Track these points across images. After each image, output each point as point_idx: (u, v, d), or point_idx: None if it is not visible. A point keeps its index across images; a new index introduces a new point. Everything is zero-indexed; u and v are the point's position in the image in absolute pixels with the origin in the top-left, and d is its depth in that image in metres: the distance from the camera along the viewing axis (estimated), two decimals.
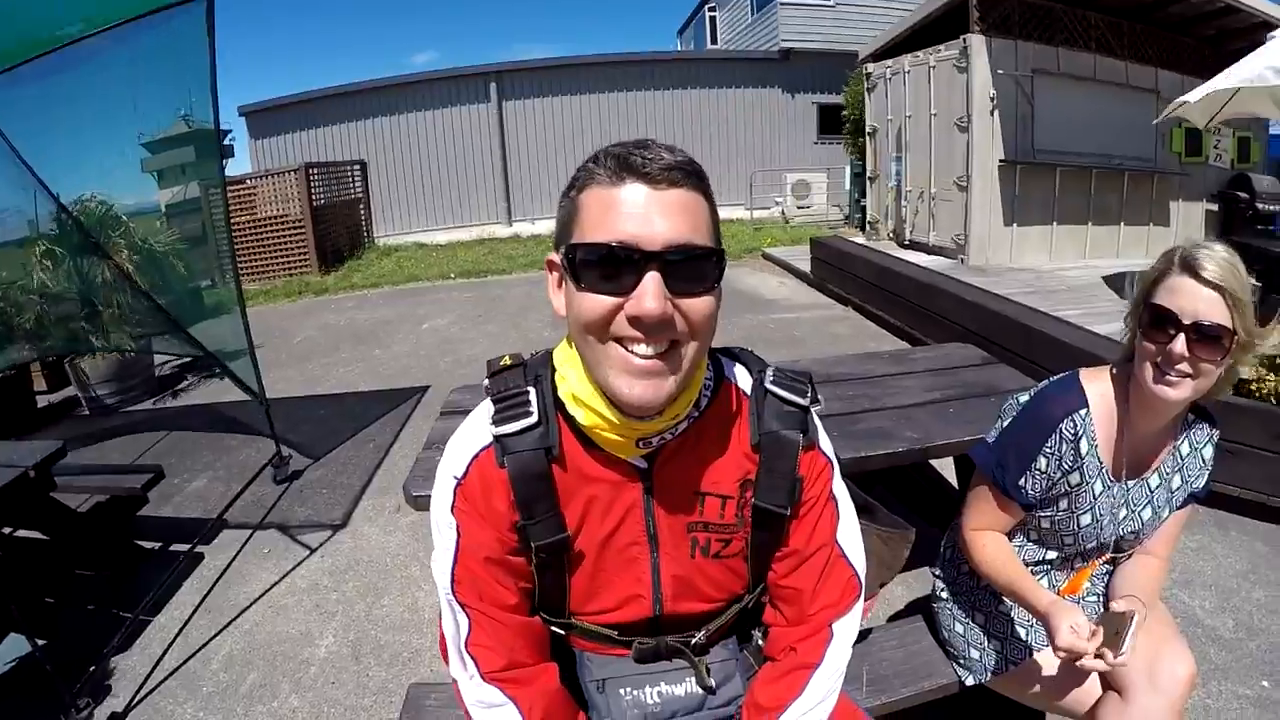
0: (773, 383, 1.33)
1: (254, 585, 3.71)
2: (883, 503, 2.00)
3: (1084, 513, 1.85)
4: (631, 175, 1.04)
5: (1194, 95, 6.38)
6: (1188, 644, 1.86)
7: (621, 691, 1.39)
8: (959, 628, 2.07)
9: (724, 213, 12.29)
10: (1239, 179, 10.77)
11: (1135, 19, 9.99)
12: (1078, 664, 1.61)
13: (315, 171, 14.21)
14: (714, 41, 23.43)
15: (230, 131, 25.60)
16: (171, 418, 6.54)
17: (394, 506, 4.33)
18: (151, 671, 3.11)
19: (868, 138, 12.29)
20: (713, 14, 23.63)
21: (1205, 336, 1.56)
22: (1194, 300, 1.57)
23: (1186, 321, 1.57)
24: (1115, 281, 7.87)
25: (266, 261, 13.39)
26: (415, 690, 1.94)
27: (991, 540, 1.93)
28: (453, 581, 1.27)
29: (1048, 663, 1.90)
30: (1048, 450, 1.80)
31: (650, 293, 1.01)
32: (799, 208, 16.37)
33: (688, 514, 1.30)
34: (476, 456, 1.24)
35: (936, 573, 2.22)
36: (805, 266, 10.56)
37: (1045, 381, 1.93)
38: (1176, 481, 1.88)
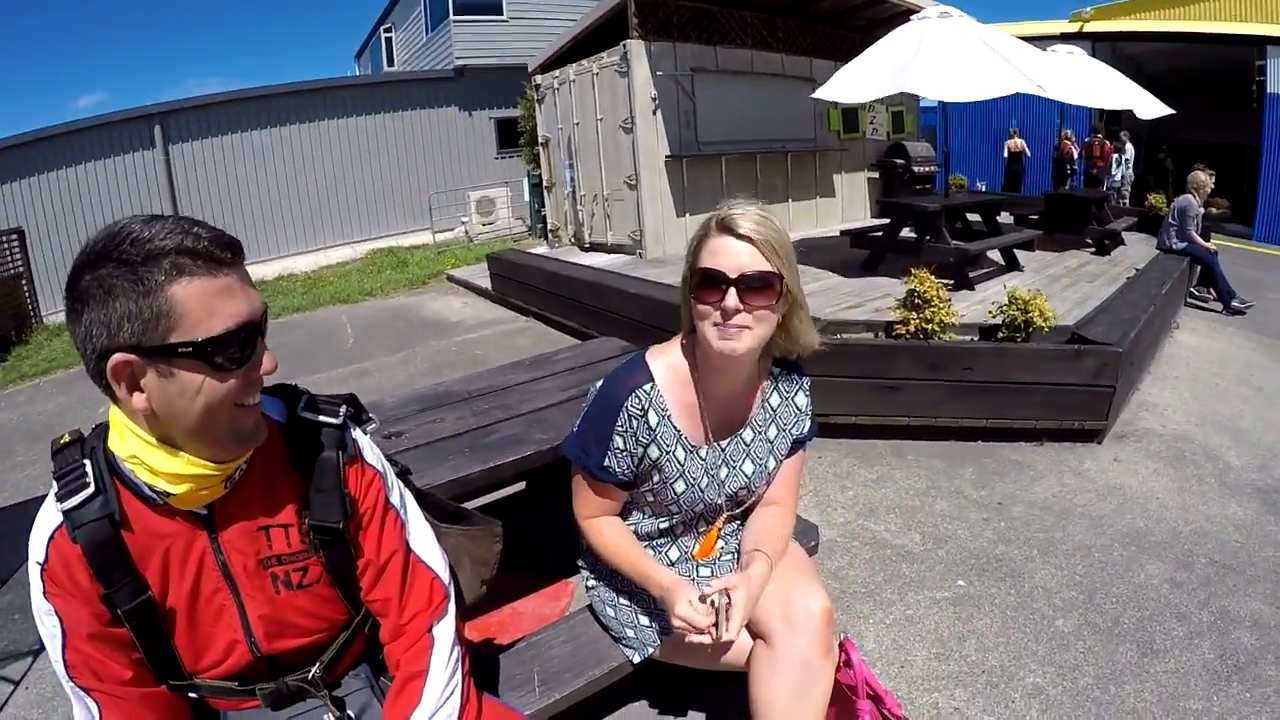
0: (305, 409, 1.43)
1: None
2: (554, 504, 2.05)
3: (675, 480, 1.92)
4: (224, 268, 1.17)
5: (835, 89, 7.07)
6: (822, 580, 1.97)
7: None
8: (611, 611, 2.12)
9: (408, 239, 12.41)
10: (895, 148, 12.14)
11: (789, 15, 10.90)
12: (692, 638, 1.73)
13: None
14: (391, 63, 23.21)
15: None
16: None
17: None
18: None
19: (541, 148, 12.56)
20: (388, 35, 23.42)
21: (753, 285, 1.68)
22: (736, 255, 1.69)
23: (733, 275, 1.67)
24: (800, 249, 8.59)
25: None
26: None
27: (606, 526, 2.02)
28: (67, 668, 1.27)
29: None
30: (620, 429, 1.87)
31: (269, 353, 1.24)
32: (484, 225, 16.45)
33: (257, 550, 1.35)
34: (52, 538, 1.24)
35: (581, 563, 2.29)
36: (487, 284, 10.72)
37: (617, 366, 2.00)
38: (773, 432, 1.98)
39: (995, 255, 7.65)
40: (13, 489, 6.39)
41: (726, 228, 1.73)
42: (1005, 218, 9.56)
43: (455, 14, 18.28)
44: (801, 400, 2.03)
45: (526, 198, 15.14)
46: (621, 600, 2.11)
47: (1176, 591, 3.22)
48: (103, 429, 1.29)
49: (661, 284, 7.01)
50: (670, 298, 6.34)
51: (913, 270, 4.96)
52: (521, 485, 3.67)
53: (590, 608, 2.27)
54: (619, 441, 1.88)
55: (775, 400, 2.00)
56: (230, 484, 1.30)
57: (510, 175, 17.31)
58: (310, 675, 1.44)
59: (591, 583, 2.22)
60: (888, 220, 8.16)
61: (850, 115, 12.06)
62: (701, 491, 1.96)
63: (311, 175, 17.54)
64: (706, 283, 1.72)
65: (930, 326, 4.75)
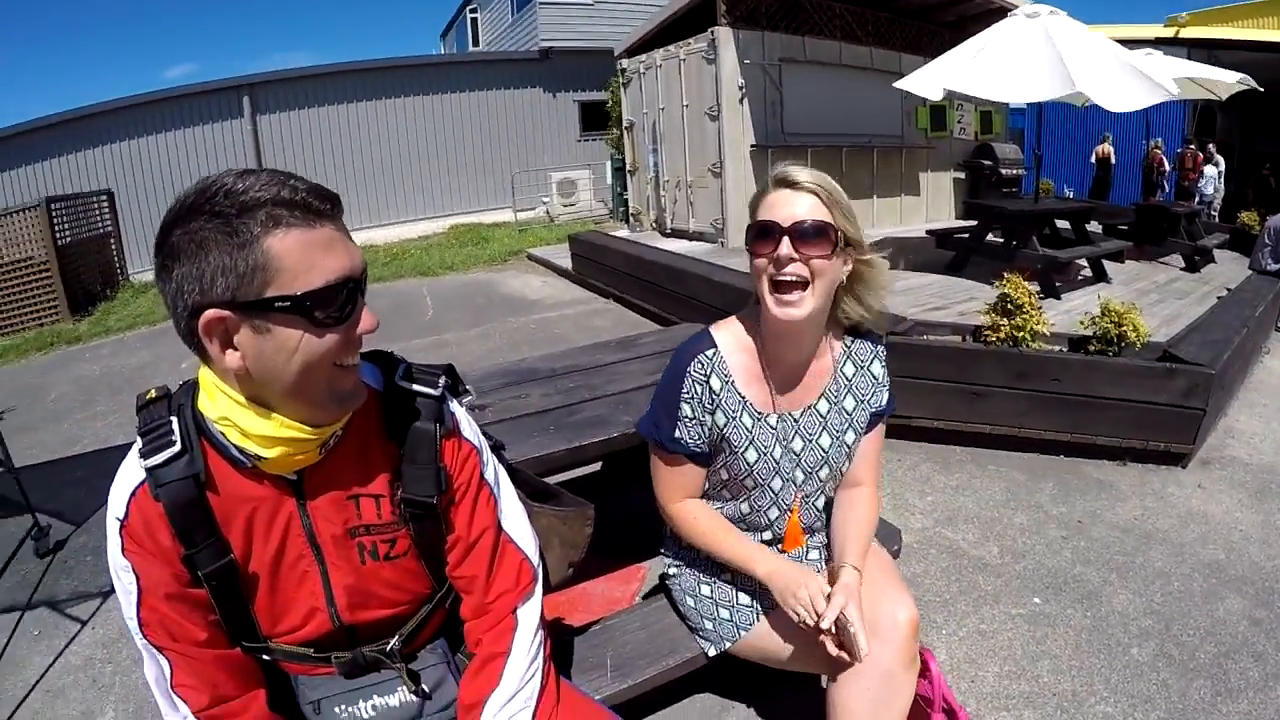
0: (402, 378, 1.41)
1: (29, 671, 3.57)
2: (631, 489, 2.10)
3: (745, 449, 1.90)
4: (323, 220, 1.15)
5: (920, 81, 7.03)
6: (908, 587, 1.93)
7: (336, 710, 1.43)
8: (690, 601, 2.11)
9: (490, 216, 12.57)
10: (983, 149, 11.97)
11: (878, 8, 10.80)
12: (803, 620, 1.72)
13: (59, 206, 13.01)
14: (476, 44, 23.33)
15: None
16: None
17: None
18: None
19: (625, 132, 12.62)
20: (474, 16, 23.53)
21: (807, 234, 1.68)
22: (791, 205, 1.70)
23: (786, 225, 1.68)
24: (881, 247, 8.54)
25: (12, 313, 12.22)
26: None
27: (698, 511, 2.01)
28: (141, 625, 1.26)
29: (772, 628, 1.95)
30: (686, 395, 1.88)
31: (369, 311, 1.22)
32: (565, 206, 16.60)
33: (345, 519, 1.34)
34: (134, 494, 1.24)
35: (663, 550, 2.28)
36: (567, 264, 10.85)
37: None
38: (850, 403, 1.95)
39: (1082, 264, 7.54)
40: (93, 436, 6.82)
41: (783, 181, 1.74)
42: (1093, 226, 9.38)
43: None
44: (878, 369, 2.00)
45: (608, 181, 15.30)
46: (703, 591, 2.09)
47: (1255, 630, 3.14)
48: (191, 387, 1.29)
49: (744, 273, 6.94)
50: (748, 284, 6.37)
51: (1005, 274, 4.90)
52: (597, 465, 3.60)
53: (668, 596, 2.27)
54: (686, 409, 1.89)
55: (849, 370, 1.97)
56: (324, 450, 1.28)
57: (592, 158, 17.46)
58: (388, 647, 1.43)
59: (673, 571, 2.21)
60: (974, 222, 8.10)
61: (938, 113, 11.93)
62: (776, 462, 1.93)
63: (396, 150, 17.85)
64: (762, 234, 1.73)
65: (1021, 334, 4.70)
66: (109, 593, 4.09)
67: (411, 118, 18.24)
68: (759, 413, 1.91)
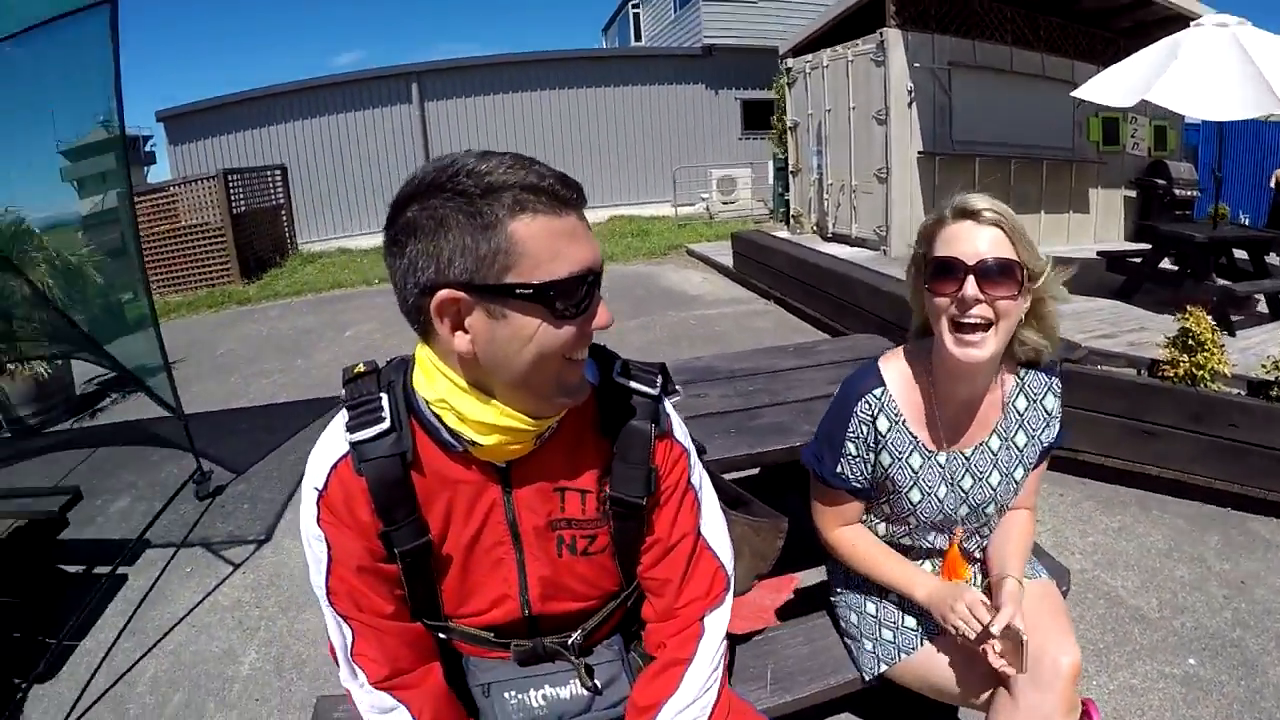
0: (620, 375, 1.36)
1: (178, 605, 3.69)
2: (791, 499, 2.03)
3: (910, 489, 1.83)
4: (568, 208, 1.10)
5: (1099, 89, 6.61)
6: (1074, 630, 1.83)
7: (506, 695, 1.41)
8: (854, 618, 2.05)
9: (649, 210, 12.45)
10: (1156, 166, 11.08)
11: (1051, 13, 10.20)
12: (964, 634, 1.66)
13: (235, 178, 13.88)
14: (638, 38, 23.52)
15: (151, 137, 25.01)
16: (94, 436, 6.44)
17: None
18: (79, 698, 3.08)
19: (789, 132, 12.41)
20: (636, 11, 23.72)
21: (993, 273, 1.56)
22: (974, 241, 1.58)
23: (972, 262, 1.56)
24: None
25: (188, 272, 13.07)
26: (324, 703, 1.93)
27: (857, 537, 1.95)
28: (329, 594, 1.27)
29: (936, 653, 1.87)
30: (851, 435, 1.81)
31: (604, 306, 1.15)
32: (724, 204, 16.44)
33: (549, 511, 1.31)
34: (335, 466, 1.24)
35: (829, 568, 2.23)
36: (728, 261, 10.67)
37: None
38: (1021, 439, 1.85)
39: (1258, 299, 6.87)
40: (257, 392, 7.16)
41: (964, 213, 1.62)
42: (1271, 258, 8.65)
43: None
44: (1050, 402, 1.88)
45: (770, 180, 15.01)
46: (868, 609, 2.03)
47: None
48: (402, 365, 1.28)
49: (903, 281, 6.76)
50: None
51: (1187, 307, 4.49)
52: (754, 470, 3.53)
53: (831, 614, 2.21)
54: (851, 448, 1.83)
55: (1022, 404, 1.86)
56: (539, 441, 1.25)
57: (754, 156, 17.20)
58: (569, 640, 1.40)
59: (838, 590, 2.15)
60: (1147, 246, 7.58)
61: (1111, 126, 11.18)
62: (940, 501, 1.85)
63: (557, 141, 18.09)
64: (943, 272, 1.61)
65: (1200, 373, 4.28)
66: (263, 540, 4.22)
67: (574, 110, 18.50)
68: (929, 451, 1.83)
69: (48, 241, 6.24)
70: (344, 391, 1.27)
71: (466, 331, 1.09)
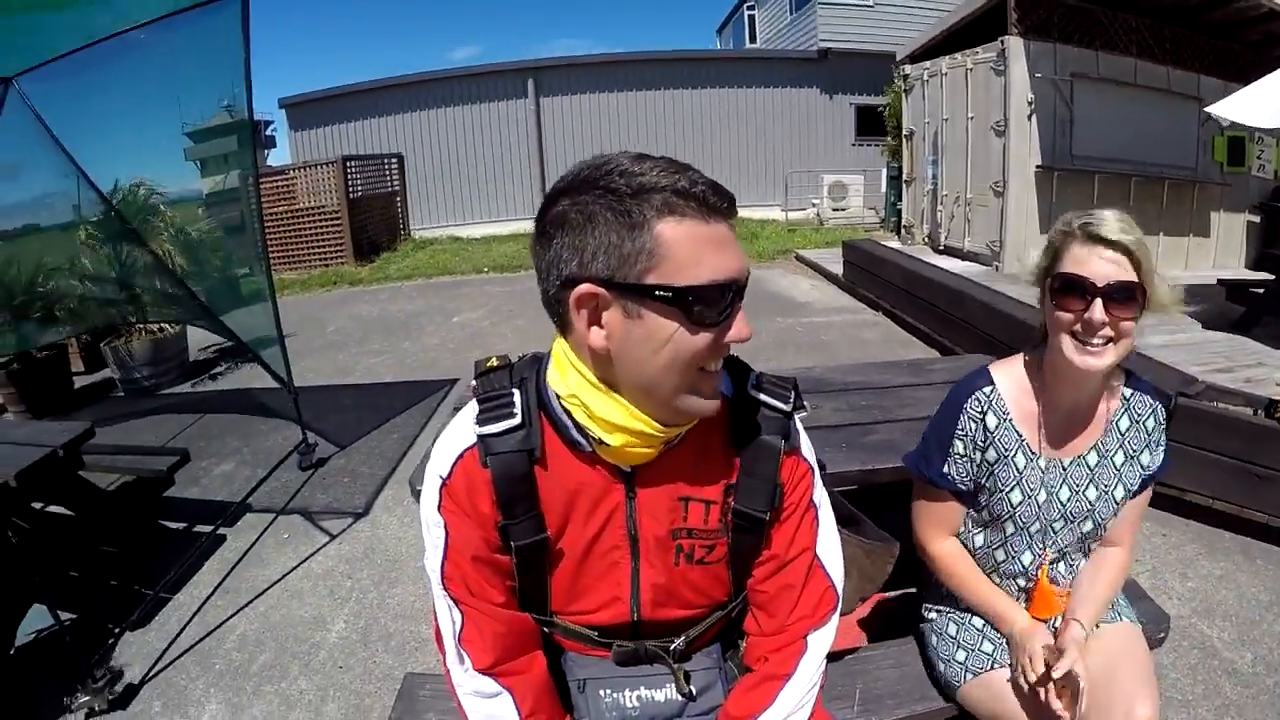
0: (754, 388, 1.33)
1: (272, 569, 3.79)
2: (896, 518, 1.98)
3: (1011, 488, 1.82)
4: (716, 216, 1.07)
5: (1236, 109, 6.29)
6: (1156, 683, 1.77)
7: (601, 693, 1.40)
8: (935, 640, 2.04)
9: (759, 213, 12.49)
10: None
11: (1177, 23, 9.77)
12: (1021, 680, 1.68)
13: (353, 164, 14.42)
14: (753, 40, 23.30)
15: (272, 123, 26.09)
16: (204, 401, 6.71)
17: (414, 498, 4.31)
18: (167, 648, 3.20)
19: (904, 140, 12.22)
20: (751, 12, 23.51)
21: (1119, 297, 1.57)
22: (1104, 263, 1.58)
23: (1100, 285, 1.57)
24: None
25: (304, 252, 13.60)
26: (411, 679, 1.94)
27: (955, 553, 1.95)
28: (443, 578, 1.28)
29: (1006, 682, 1.84)
30: (960, 432, 1.82)
31: (744, 319, 1.12)
32: (835, 210, 16.20)
33: (671, 520, 1.30)
34: (461, 456, 1.25)
35: (926, 594, 2.20)
36: (837, 269, 10.44)
37: None
38: (1120, 458, 1.83)
39: None
40: (365, 370, 7.34)
41: (1093, 235, 1.61)
42: None
43: None
44: (1153, 426, 1.84)
45: (883, 189, 14.75)
46: (949, 631, 2.00)
47: None
48: (534, 362, 1.29)
49: (1027, 305, 6.34)
50: (1032, 319, 5.89)
51: None
52: (852, 485, 3.54)
53: (920, 636, 2.16)
54: (958, 446, 1.83)
55: (1124, 424, 1.83)
56: (666, 447, 1.24)
57: (866, 164, 16.88)
58: (671, 646, 1.39)
59: (932, 615, 2.10)
60: (1270, 276, 7.22)
61: (1236, 146, 10.50)
62: (1038, 506, 1.83)
63: (668, 140, 18.08)
64: (1069, 290, 1.62)
65: None
66: (360, 514, 4.31)
67: (687, 110, 18.51)
68: (1032, 453, 1.82)
69: (172, 215, 6.50)
70: (475, 384, 1.28)
71: (602, 327, 1.09)
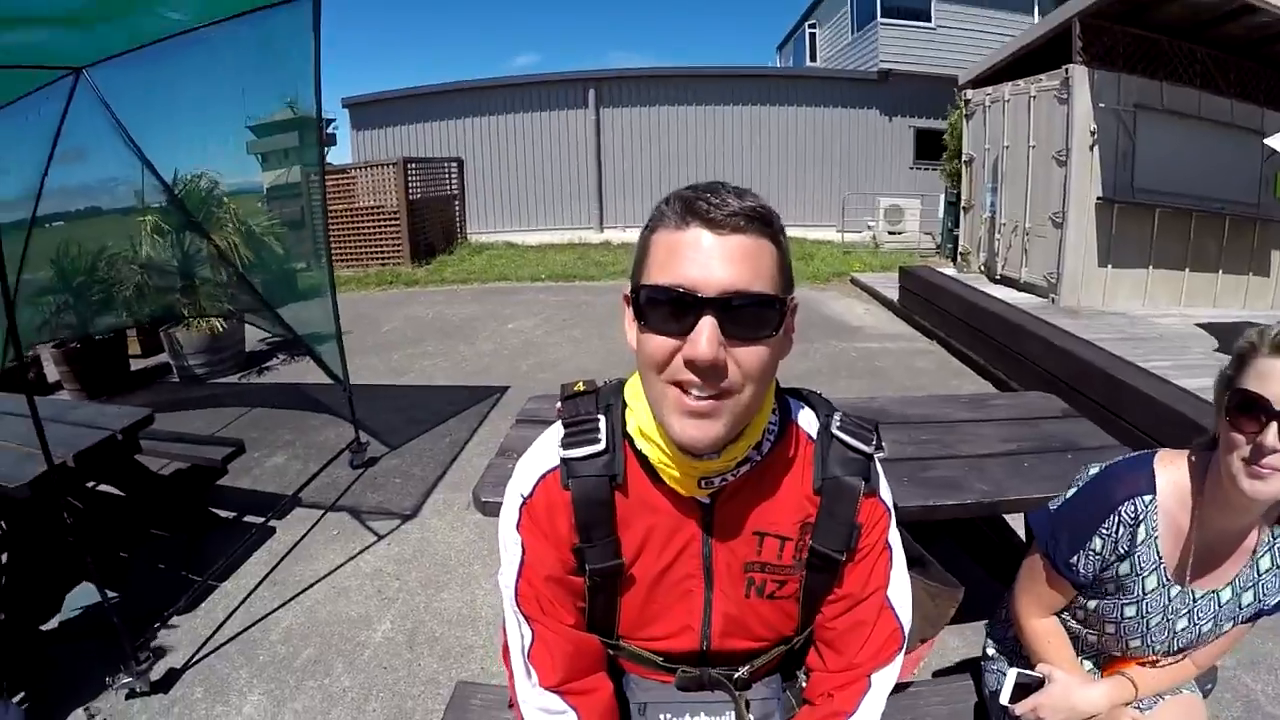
0: (839, 428, 1.33)
1: (320, 564, 3.83)
2: (947, 550, 1.95)
3: (1129, 604, 1.72)
4: (696, 220, 1.05)
5: None
6: None
7: (662, 717, 1.41)
8: (992, 681, 1.99)
9: (814, 233, 12.30)
10: None
11: (1243, 55, 9.50)
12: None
13: (413, 166, 14.63)
14: (813, 59, 23.18)
15: (334, 120, 26.44)
16: (257, 393, 6.82)
17: (464, 503, 4.36)
18: (212, 635, 3.24)
19: (964, 166, 12.04)
20: (813, 31, 23.43)
21: None
22: None
23: (1279, 408, 1.40)
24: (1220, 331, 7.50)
25: (361, 250, 13.82)
26: (462, 688, 1.94)
27: (1052, 631, 1.87)
28: (516, 595, 1.30)
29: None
30: (1104, 531, 1.68)
31: (705, 337, 1.02)
32: (891, 233, 16.04)
33: (746, 553, 1.31)
34: (543, 477, 1.27)
35: (989, 630, 2.13)
36: (893, 294, 10.34)
37: (1120, 458, 1.79)
38: (1249, 598, 1.71)
39: None
40: (419, 372, 7.41)
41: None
42: None
43: (882, 15, 18.00)
44: None
45: (940, 214, 14.60)
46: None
47: None
48: (619, 387, 1.31)
49: (1087, 341, 6.41)
50: (1094, 359, 5.83)
51: None
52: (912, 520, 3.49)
53: (977, 675, 2.12)
54: (1097, 543, 1.69)
55: (1265, 564, 1.69)
56: (707, 484, 1.22)
57: (924, 188, 16.71)
58: (735, 675, 1.40)
59: (993, 653, 2.05)
60: None
61: None
62: (1148, 630, 1.73)
63: (726, 155, 18.12)
64: (1246, 409, 1.44)
65: None
66: (409, 516, 4.35)
67: (745, 126, 18.46)
68: (1166, 580, 1.69)
69: (234, 206, 6.62)
70: (560, 407, 1.31)
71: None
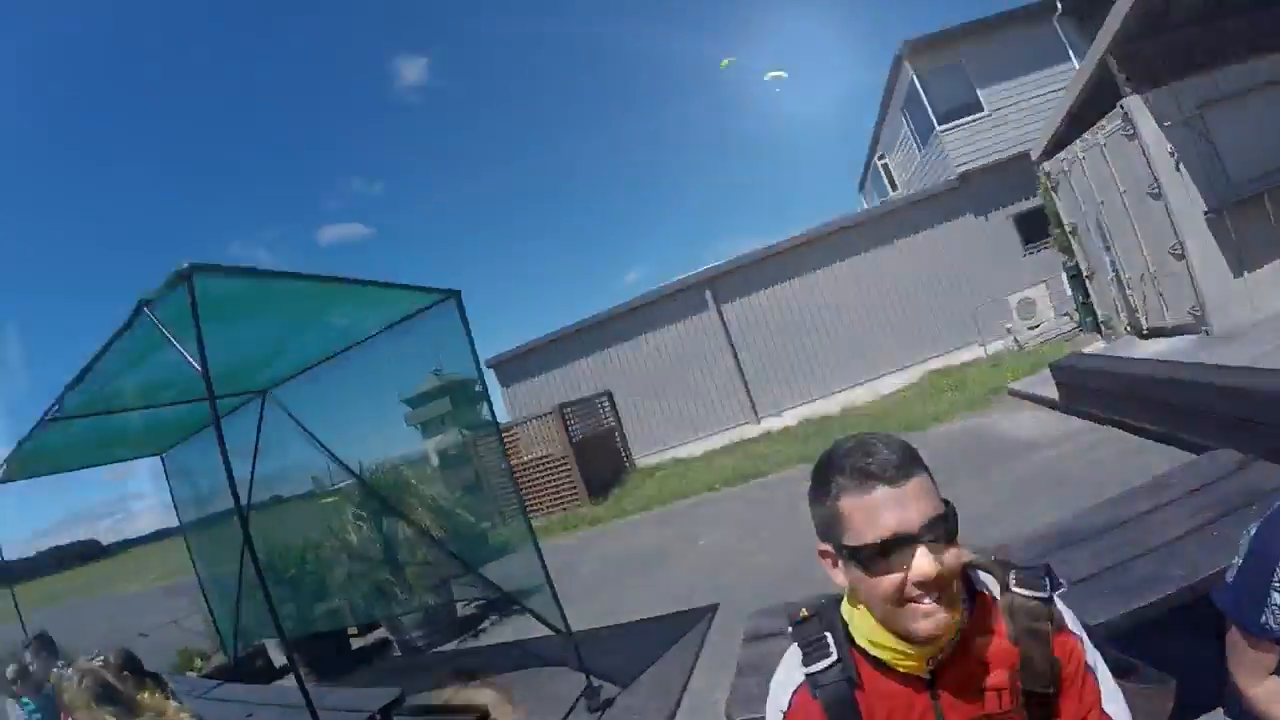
0: (1016, 585, 1.52)
1: None
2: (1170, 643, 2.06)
3: None
4: (874, 482, 1.34)
5: None
6: None
7: None
8: None
9: (960, 356, 13.30)
10: None
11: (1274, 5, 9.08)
12: None
13: (569, 409, 15.49)
14: (894, 188, 23.39)
15: (478, 384, 28.31)
16: (482, 656, 7.07)
17: None
18: None
19: (1070, 235, 11.98)
20: (884, 162, 23.80)
21: None
22: None
23: None
24: None
25: (537, 500, 14.46)
26: None
27: (1275, 690, 1.83)
28: None
29: None
30: (1276, 584, 1.69)
31: (929, 561, 1.32)
32: (1030, 329, 15.68)
33: (972, 710, 1.48)
34: (796, 691, 1.52)
35: (1226, 710, 2.06)
36: (1053, 394, 9.72)
37: (1271, 509, 1.78)
38: None
39: None
40: (629, 608, 7.44)
41: None
42: None
43: (940, 123, 18.03)
44: None
45: (1067, 291, 14.33)
46: None
47: None
48: (835, 603, 1.57)
49: (1253, 369, 5.99)
50: (1263, 384, 5.27)
51: None
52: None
53: None
54: (1276, 597, 1.70)
55: None
56: (933, 661, 1.44)
57: (1043, 270, 16.43)
58: None
59: None
60: None
61: None
62: None
63: (848, 310, 18.27)
64: None
65: None
66: None
67: (858, 275, 18.53)
68: None
69: (418, 484, 7.28)
70: (792, 631, 1.59)
71: (844, 576, 1.44)
